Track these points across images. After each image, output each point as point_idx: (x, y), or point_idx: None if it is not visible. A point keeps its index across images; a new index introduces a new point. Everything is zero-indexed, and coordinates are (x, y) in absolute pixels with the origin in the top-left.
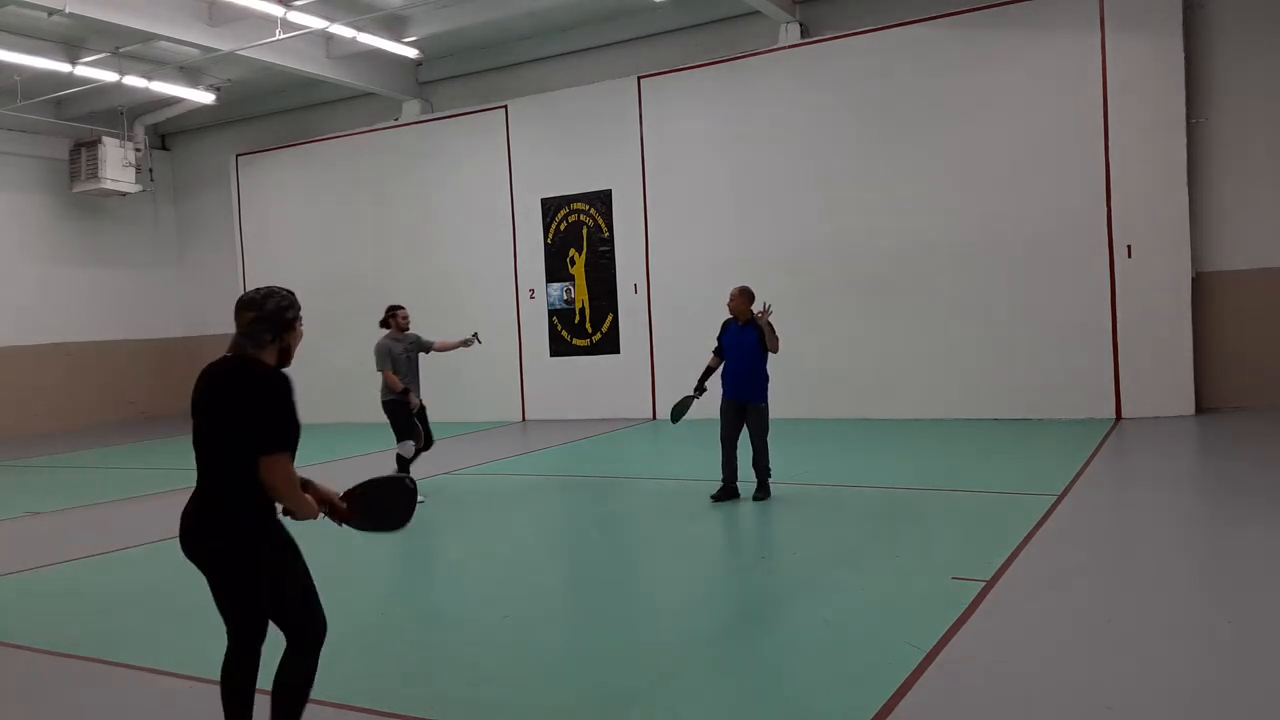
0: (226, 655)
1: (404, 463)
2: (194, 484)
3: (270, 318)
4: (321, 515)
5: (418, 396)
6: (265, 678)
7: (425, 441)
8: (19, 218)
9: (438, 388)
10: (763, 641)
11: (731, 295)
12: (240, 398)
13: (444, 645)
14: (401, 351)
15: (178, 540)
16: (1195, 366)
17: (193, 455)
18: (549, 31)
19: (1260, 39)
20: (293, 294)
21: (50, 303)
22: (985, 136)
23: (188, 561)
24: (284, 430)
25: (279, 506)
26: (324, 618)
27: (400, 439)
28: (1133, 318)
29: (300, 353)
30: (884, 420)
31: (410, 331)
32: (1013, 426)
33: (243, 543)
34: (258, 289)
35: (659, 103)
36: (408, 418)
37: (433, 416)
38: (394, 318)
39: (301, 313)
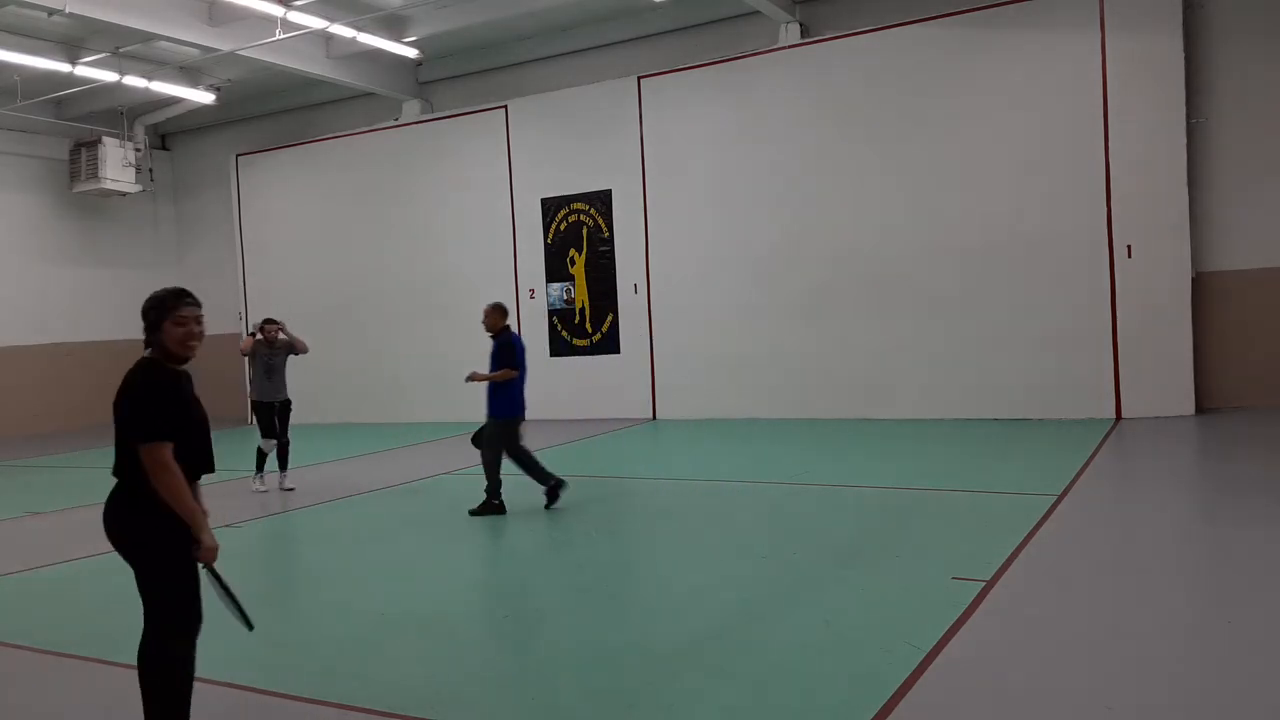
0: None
1: (262, 457)
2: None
3: (143, 316)
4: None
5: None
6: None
7: (280, 438)
8: (19, 218)
9: (438, 388)
10: (763, 641)
11: (485, 311)
12: (120, 393)
13: (444, 645)
14: (267, 354)
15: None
16: (1195, 366)
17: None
18: (549, 31)
19: (1260, 39)
20: (166, 293)
21: (50, 303)
22: (985, 136)
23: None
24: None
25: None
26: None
27: (264, 436)
28: (1133, 318)
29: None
30: (884, 420)
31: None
32: (1013, 426)
33: (140, 533)
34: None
35: (659, 103)
36: (269, 417)
37: (433, 416)
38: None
39: (184, 311)
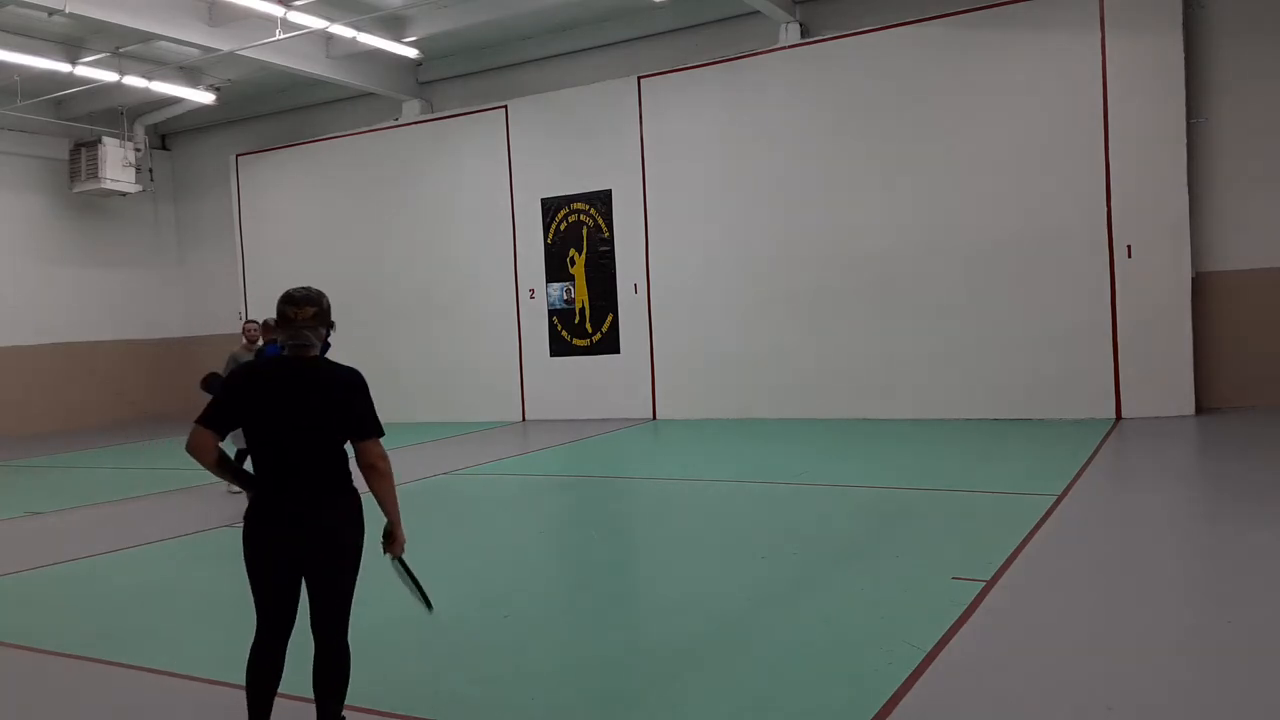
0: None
1: (242, 456)
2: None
3: (328, 314)
4: None
5: None
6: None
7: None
8: (19, 218)
9: (437, 387)
10: (763, 641)
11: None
12: (350, 393)
13: (444, 645)
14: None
15: (259, 535)
16: (1195, 366)
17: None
18: (549, 31)
19: (1260, 39)
20: None
21: (50, 303)
22: (985, 136)
23: (188, 561)
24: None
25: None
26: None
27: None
28: (1133, 318)
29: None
30: (884, 420)
31: (260, 344)
32: (1013, 426)
33: (355, 523)
34: (304, 287)
35: (659, 103)
36: None
37: (433, 416)
38: (245, 331)
39: None
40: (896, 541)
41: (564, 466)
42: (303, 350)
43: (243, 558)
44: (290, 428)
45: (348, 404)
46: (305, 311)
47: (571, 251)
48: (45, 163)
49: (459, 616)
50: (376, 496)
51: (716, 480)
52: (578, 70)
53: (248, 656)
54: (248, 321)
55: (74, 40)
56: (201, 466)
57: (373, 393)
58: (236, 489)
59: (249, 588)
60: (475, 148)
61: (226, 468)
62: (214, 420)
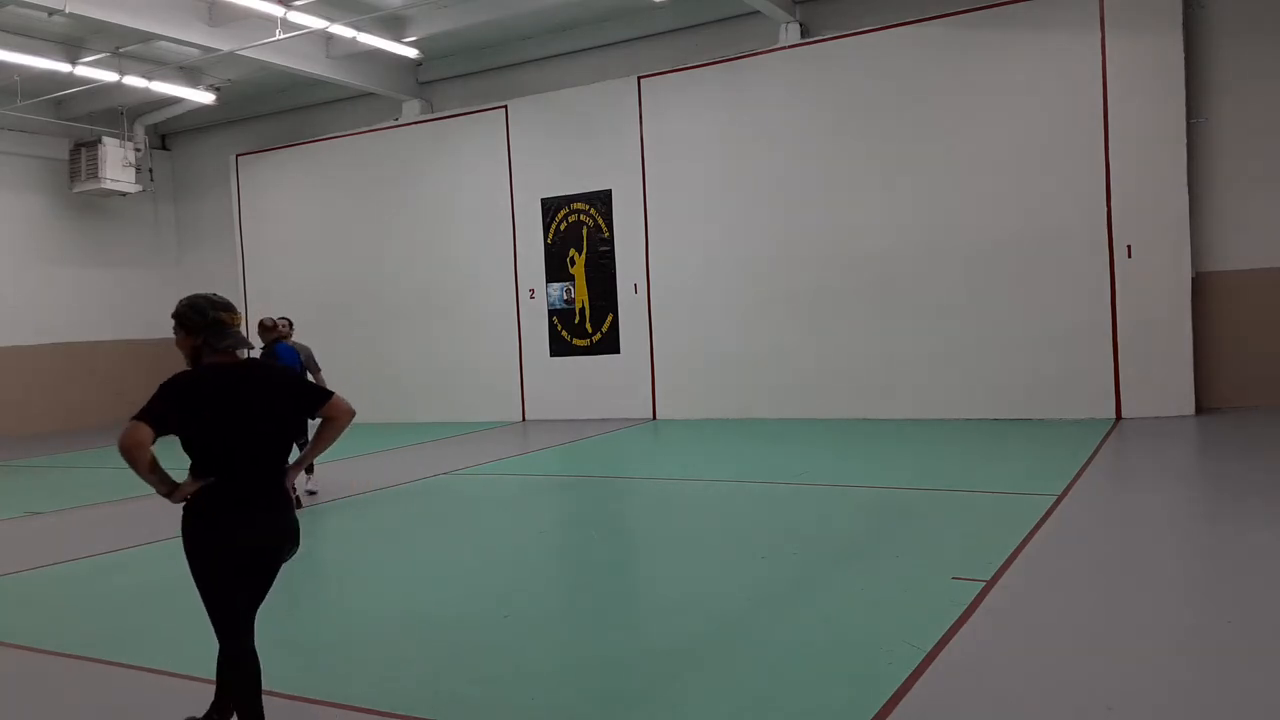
0: (250, 655)
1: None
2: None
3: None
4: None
5: None
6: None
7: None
8: (19, 218)
9: (437, 387)
10: (763, 641)
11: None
12: (294, 381)
13: (444, 645)
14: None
15: (232, 536)
16: (1195, 366)
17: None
18: (549, 31)
19: (1261, 39)
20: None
21: (50, 303)
22: (985, 136)
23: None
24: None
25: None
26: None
27: None
28: (1133, 318)
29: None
30: (884, 420)
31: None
32: (1013, 426)
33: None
34: (213, 294)
35: (659, 103)
36: None
37: (433, 416)
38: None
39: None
40: (896, 541)
41: (564, 466)
42: (237, 354)
43: (205, 568)
44: (258, 433)
45: (297, 388)
46: (238, 316)
47: (571, 251)
48: (45, 163)
49: (459, 616)
50: (326, 429)
51: (716, 480)
52: (578, 70)
53: (227, 669)
54: (280, 317)
55: (74, 40)
56: (132, 467)
57: (373, 392)
58: (313, 490)
59: (205, 601)
60: (475, 148)
61: (157, 471)
62: (156, 419)
